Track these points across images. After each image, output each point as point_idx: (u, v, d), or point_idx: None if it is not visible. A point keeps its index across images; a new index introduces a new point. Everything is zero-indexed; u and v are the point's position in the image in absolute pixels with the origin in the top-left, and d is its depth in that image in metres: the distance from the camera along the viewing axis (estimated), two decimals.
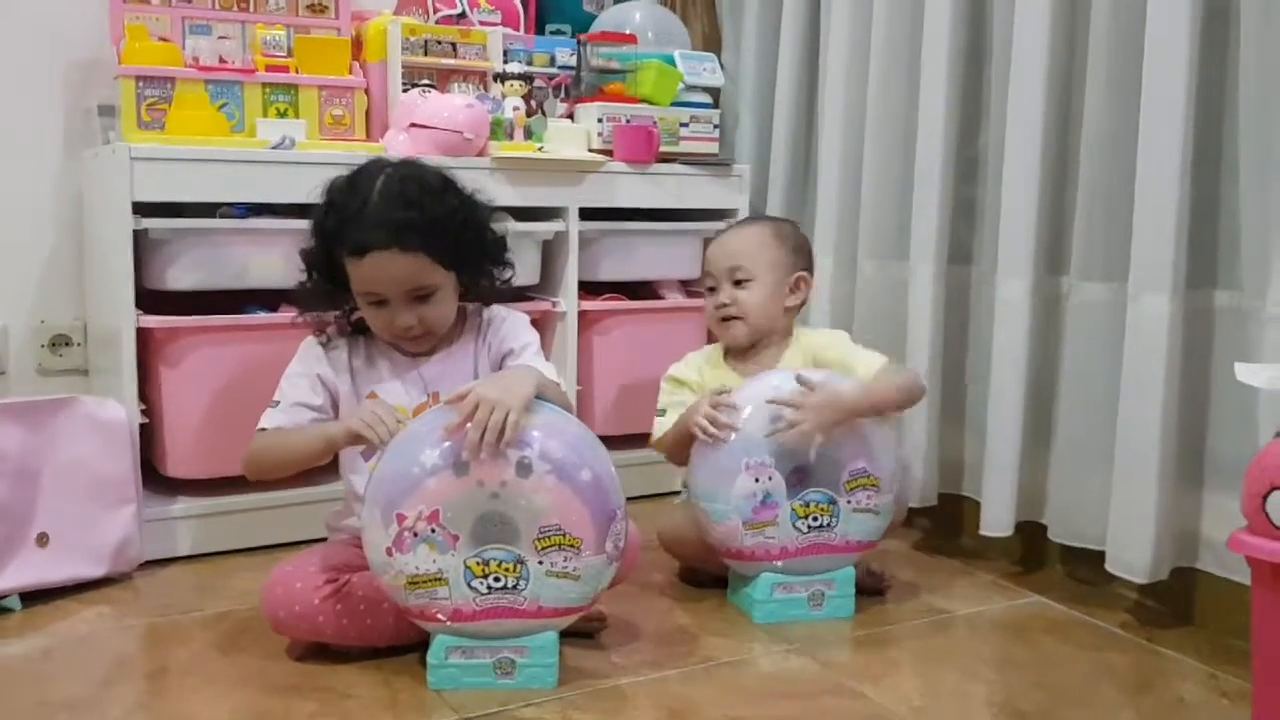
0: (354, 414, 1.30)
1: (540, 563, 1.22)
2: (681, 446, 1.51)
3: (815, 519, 1.46)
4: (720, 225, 2.07)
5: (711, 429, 1.43)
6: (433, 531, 1.20)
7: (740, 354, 1.63)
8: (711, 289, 1.63)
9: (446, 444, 1.21)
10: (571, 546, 1.22)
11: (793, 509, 1.45)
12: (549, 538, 1.21)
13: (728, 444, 1.44)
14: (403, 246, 1.29)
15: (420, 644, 1.28)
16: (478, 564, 1.21)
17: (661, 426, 1.58)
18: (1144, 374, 1.44)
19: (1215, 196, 1.46)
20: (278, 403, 1.36)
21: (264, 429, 1.35)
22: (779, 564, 1.46)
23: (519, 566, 1.22)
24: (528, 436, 1.21)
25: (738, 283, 1.59)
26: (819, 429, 1.42)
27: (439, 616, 1.22)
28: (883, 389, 1.49)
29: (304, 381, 1.37)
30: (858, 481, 1.47)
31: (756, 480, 1.44)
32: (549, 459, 1.21)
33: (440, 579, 1.21)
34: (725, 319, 1.61)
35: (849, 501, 1.47)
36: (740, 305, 1.59)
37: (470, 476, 1.20)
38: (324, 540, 1.46)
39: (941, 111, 1.72)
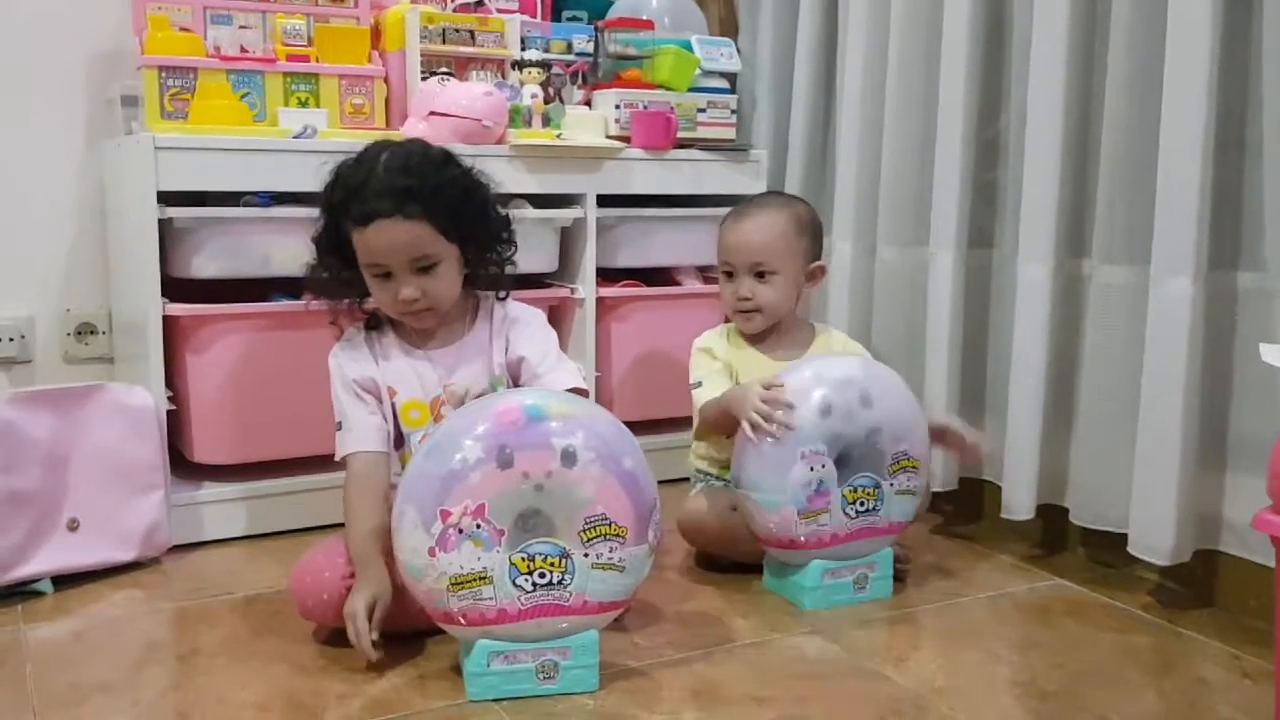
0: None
1: (586, 555, 1.19)
2: (725, 420, 1.51)
3: (863, 504, 1.47)
4: None
5: (767, 427, 1.41)
6: (478, 527, 1.16)
7: (757, 336, 1.65)
8: (729, 274, 1.64)
9: (489, 439, 1.17)
10: (617, 536, 1.20)
11: (843, 495, 1.45)
12: (595, 528, 1.19)
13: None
14: (405, 214, 1.32)
15: None
16: (522, 560, 1.18)
17: (701, 396, 1.59)
18: (1166, 356, 1.43)
19: (1238, 177, 1.45)
20: (340, 425, 1.40)
21: (348, 455, 1.38)
22: (829, 550, 1.46)
23: (564, 561, 1.19)
24: (570, 425, 1.19)
25: (759, 275, 1.60)
26: None
27: (483, 619, 1.17)
28: None
29: (348, 395, 1.41)
30: (900, 464, 1.49)
31: (812, 469, 1.43)
32: (592, 447, 1.19)
33: (485, 577, 1.17)
34: (744, 311, 1.62)
35: (892, 484, 1.48)
36: (759, 299, 1.61)
37: (515, 468, 1.17)
38: None
39: (961, 94, 1.72)
